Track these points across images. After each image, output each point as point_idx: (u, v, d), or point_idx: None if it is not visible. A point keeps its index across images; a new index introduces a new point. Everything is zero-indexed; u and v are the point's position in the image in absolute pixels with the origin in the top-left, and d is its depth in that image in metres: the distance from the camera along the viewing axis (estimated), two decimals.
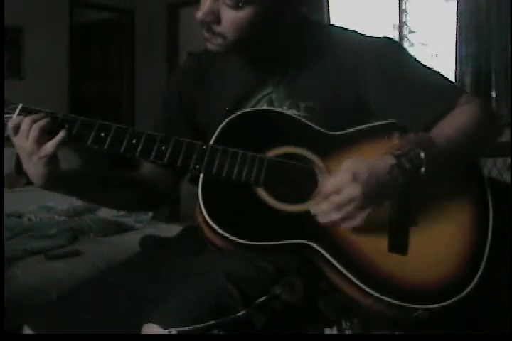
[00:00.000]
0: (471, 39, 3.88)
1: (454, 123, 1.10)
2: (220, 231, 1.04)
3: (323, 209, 1.02)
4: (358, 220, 1.01)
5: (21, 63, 5.03)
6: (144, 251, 1.32)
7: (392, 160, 1.01)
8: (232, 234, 1.03)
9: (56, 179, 1.10)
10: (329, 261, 1.04)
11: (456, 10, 3.98)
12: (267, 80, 1.22)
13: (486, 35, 3.84)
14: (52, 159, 1.07)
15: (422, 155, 1.00)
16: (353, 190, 0.98)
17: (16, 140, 1.08)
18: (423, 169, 1.00)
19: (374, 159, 1.02)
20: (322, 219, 1.03)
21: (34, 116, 1.07)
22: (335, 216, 1.01)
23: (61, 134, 1.07)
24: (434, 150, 1.02)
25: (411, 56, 1.21)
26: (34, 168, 1.08)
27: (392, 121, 1.15)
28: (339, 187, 0.99)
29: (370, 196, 0.99)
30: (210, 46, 1.17)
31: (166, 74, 5.63)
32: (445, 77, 1.17)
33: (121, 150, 1.08)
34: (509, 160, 2.80)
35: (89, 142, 1.08)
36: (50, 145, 1.06)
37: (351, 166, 1.01)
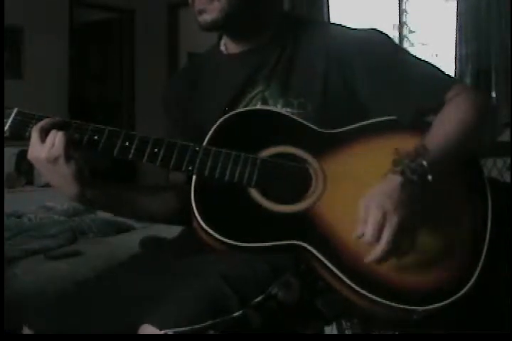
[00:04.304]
0: (471, 39, 3.88)
1: (450, 119, 1.09)
2: (212, 232, 1.03)
3: (378, 255, 0.99)
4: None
5: (21, 63, 5.04)
6: (144, 252, 1.32)
7: (398, 178, 1.00)
8: (224, 236, 1.03)
9: (91, 187, 1.10)
10: (322, 261, 1.03)
11: (456, 10, 3.99)
12: (256, 78, 1.21)
13: (486, 34, 3.84)
14: (68, 159, 1.06)
15: (425, 163, 1.00)
16: (393, 220, 0.97)
17: (32, 151, 1.07)
18: (430, 177, 1.00)
19: (379, 187, 1.01)
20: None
21: (42, 124, 1.07)
22: (388, 249, 0.98)
23: (60, 133, 1.06)
24: (434, 154, 1.02)
25: (398, 46, 1.19)
26: (59, 175, 1.07)
27: (386, 119, 1.14)
28: (379, 226, 0.97)
29: (405, 218, 0.98)
30: (203, 18, 1.16)
31: (166, 74, 5.64)
32: (435, 66, 1.16)
33: (115, 152, 1.08)
34: (509, 160, 2.80)
35: (83, 145, 1.08)
36: (56, 145, 1.05)
37: (368, 204, 0.99)
